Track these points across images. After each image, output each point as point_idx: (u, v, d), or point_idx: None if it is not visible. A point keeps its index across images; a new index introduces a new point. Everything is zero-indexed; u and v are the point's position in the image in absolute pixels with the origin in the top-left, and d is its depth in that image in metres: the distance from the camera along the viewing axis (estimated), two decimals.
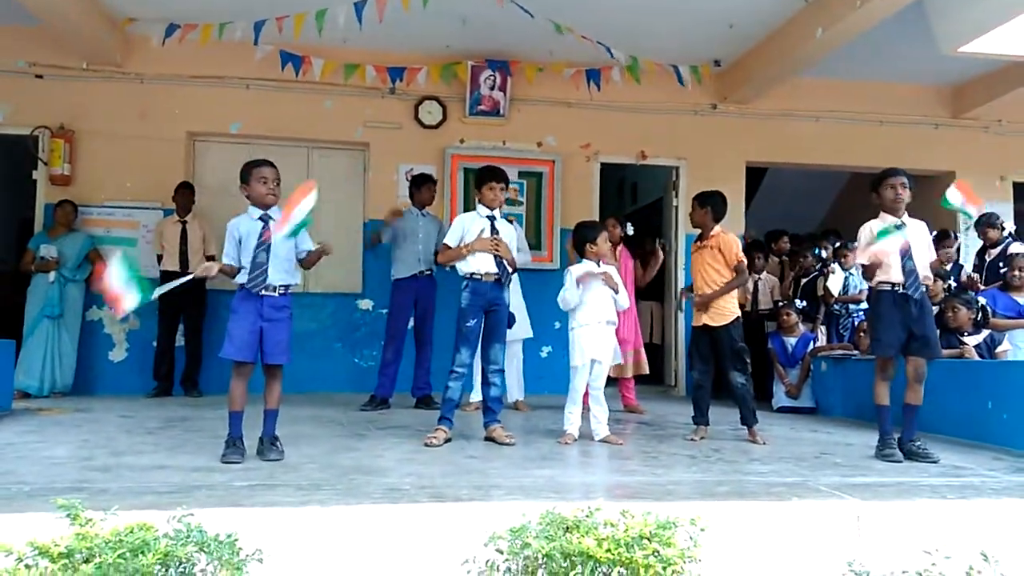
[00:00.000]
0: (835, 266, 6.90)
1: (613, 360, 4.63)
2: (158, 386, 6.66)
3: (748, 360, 4.74)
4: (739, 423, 4.67)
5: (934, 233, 5.48)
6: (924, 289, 4.09)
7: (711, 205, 4.75)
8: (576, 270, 4.53)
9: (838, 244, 7.18)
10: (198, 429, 4.59)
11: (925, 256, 4.15)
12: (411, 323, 6.03)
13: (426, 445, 4.04)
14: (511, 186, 5.87)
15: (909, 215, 4.17)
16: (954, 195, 4.24)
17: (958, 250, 6.98)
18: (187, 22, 6.69)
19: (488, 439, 4.28)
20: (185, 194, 6.80)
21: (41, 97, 7.04)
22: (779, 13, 6.55)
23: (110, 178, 7.11)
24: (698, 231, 4.89)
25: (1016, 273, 5.78)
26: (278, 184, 3.75)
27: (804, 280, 7.27)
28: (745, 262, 4.81)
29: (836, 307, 6.94)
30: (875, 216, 4.18)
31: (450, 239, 4.42)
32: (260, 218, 3.69)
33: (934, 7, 5.99)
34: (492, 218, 4.40)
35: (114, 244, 7.03)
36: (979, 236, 6.55)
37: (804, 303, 6.99)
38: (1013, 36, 5.79)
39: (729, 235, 4.76)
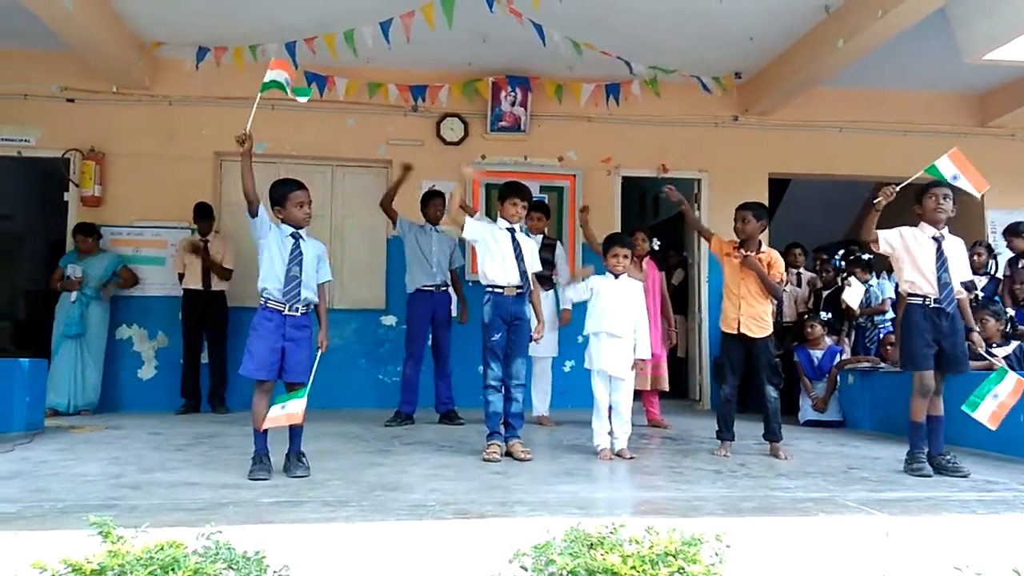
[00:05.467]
0: (852, 279, 6.81)
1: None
2: (186, 403, 6.75)
3: (783, 374, 4.71)
4: (762, 437, 4.64)
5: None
6: (956, 304, 4.06)
7: (766, 219, 4.73)
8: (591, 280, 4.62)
9: (851, 258, 7.07)
10: (226, 446, 4.65)
11: (960, 271, 4.13)
12: (430, 339, 6.06)
13: (485, 460, 4.13)
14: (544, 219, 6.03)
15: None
16: (945, 166, 3.92)
17: (992, 272, 6.77)
18: (214, 45, 6.83)
19: (506, 454, 4.29)
20: (207, 215, 6.89)
21: (72, 120, 7.21)
22: (800, 25, 6.53)
23: (139, 199, 7.24)
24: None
25: None
26: (311, 204, 3.85)
27: (826, 292, 7.20)
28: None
29: (861, 320, 6.86)
30: (915, 225, 4.17)
31: (468, 231, 4.47)
32: (291, 235, 3.78)
33: (956, 15, 5.94)
34: (512, 230, 4.48)
35: (143, 263, 7.17)
36: (1007, 246, 6.44)
37: (828, 315, 6.92)
38: None
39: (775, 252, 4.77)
